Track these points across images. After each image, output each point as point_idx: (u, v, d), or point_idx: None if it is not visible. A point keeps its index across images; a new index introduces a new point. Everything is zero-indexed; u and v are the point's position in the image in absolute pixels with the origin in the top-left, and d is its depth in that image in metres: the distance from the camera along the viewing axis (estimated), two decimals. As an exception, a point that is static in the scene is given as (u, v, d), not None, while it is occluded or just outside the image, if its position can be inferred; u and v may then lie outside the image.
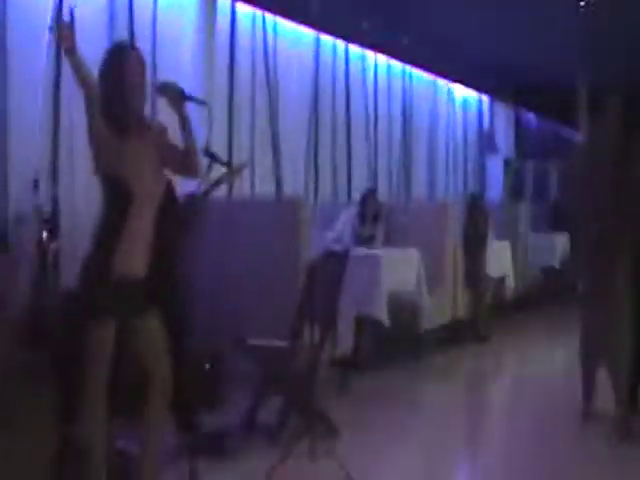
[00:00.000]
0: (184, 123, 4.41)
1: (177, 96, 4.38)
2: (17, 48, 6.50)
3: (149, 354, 4.47)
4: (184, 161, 4.47)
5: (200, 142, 5.36)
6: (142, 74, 4.42)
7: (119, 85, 4.34)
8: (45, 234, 5.48)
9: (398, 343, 8.72)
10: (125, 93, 4.35)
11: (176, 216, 5.03)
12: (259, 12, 9.16)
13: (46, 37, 6.66)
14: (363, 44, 11.16)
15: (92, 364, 4.34)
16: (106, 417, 4.38)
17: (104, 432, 4.40)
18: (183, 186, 5.27)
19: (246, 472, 5.32)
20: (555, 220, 13.54)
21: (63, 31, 4.06)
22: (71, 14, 4.13)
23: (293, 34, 9.79)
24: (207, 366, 6.02)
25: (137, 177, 4.34)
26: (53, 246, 5.50)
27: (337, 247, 7.47)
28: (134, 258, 4.32)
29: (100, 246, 4.29)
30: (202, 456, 5.10)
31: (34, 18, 6.66)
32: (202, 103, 4.59)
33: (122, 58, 4.38)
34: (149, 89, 4.54)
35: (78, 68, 4.17)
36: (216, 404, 6.05)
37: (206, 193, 5.76)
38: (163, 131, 4.52)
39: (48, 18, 6.61)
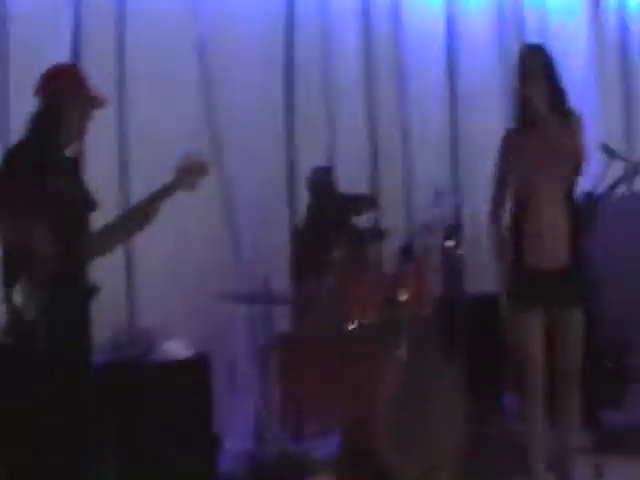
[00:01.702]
0: None
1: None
2: (412, 64, 6.84)
3: (568, 349, 4.56)
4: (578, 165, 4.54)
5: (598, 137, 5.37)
6: (540, 71, 4.51)
7: (521, 85, 4.49)
8: (450, 242, 5.67)
9: None
10: (525, 93, 4.48)
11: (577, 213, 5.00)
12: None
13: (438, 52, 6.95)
14: None
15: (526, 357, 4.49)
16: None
17: (543, 428, 4.57)
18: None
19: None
20: None
21: None
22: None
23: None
24: (609, 364, 5.93)
25: (537, 172, 4.46)
26: (458, 253, 5.67)
27: None
28: (547, 252, 4.44)
29: (512, 244, 4.46)
30: (607, 454, 5.10)
31: (426, 35, 6.95)
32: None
33: (522, 58, 4.53)
34: None
35: None
36: (621, 401, 5.94)
37: (608, 192, 5.69)
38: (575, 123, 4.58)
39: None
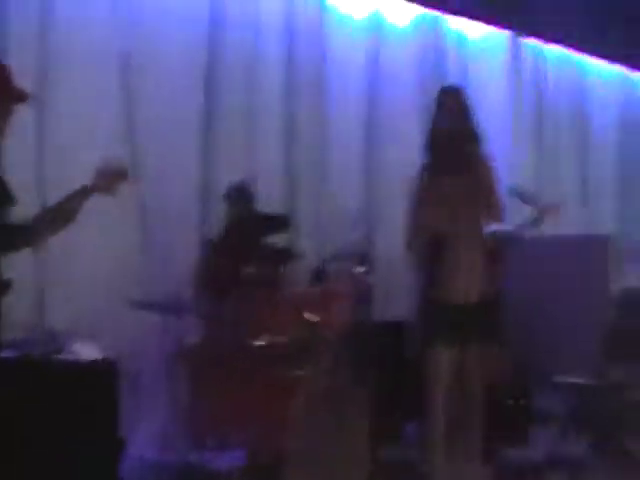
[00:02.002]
0: None
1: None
2: (333, 90, 6.97)
3: (476, 383, 4.66)
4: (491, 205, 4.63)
5: (509, 182, 5.50)
6: (460, 115, 4.60)
7: (435, 127, 4.57)
8: (361, 269, 5.74)
9: None
10: (439, 135, 4.57)
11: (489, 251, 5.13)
12: (567, 51, 9.08)
13: (360, 84, 7.06)
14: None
15: (434, 389, 4.58)
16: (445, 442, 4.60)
17: (443, 457, 4.61)
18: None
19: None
20: None
21: None
22: None
23: (602, 72, 9.61)
24: (513, 401, 6.06)
25: (451, 218, 4.55)
26: (368, 280, 5.74)
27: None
28: (461, 287, 4.53)
29: (425, 281, 4.53)
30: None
31: (349, 62, 7.06)
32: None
33: (441, 101, 4.62)
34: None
35: None
36: (525, 440, 6.06)
37: (520, 233, 5.85)
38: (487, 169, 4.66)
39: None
